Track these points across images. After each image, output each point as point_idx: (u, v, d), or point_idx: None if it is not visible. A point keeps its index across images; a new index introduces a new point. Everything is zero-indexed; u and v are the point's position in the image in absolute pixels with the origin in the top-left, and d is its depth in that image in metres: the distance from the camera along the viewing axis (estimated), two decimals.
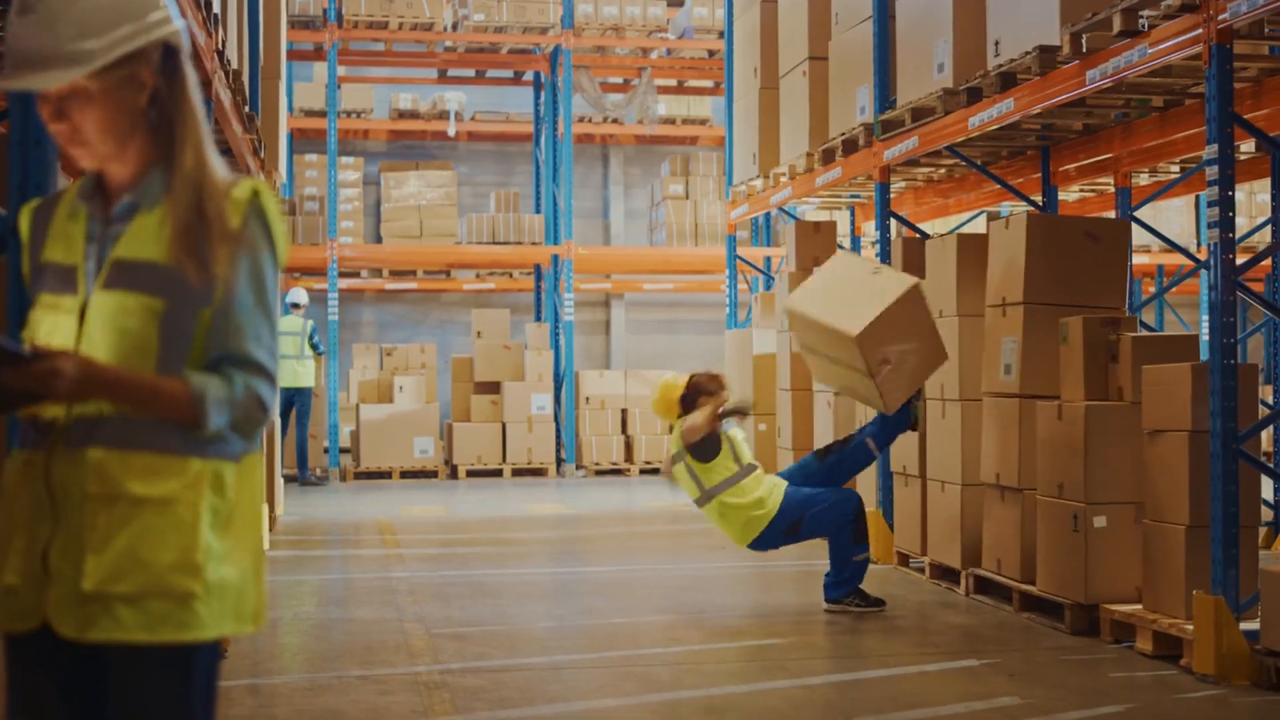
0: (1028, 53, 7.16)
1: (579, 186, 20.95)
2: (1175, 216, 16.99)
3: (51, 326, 2.46)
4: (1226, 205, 5.77)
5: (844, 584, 7.34)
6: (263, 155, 9.83)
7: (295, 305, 14.53)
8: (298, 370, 14.25)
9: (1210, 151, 5.81)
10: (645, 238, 19.99)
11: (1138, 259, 16.49)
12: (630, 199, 21.41)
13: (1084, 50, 6.68)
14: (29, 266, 2.57)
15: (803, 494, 7.38)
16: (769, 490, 7.38)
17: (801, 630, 6.91)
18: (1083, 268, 7.31)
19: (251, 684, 5.78)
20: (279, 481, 11.63)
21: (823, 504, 7.34)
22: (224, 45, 6.74)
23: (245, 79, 9.04)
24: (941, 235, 8.52)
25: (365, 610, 7.53)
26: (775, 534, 7.36)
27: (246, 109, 8.59)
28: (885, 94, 9.12)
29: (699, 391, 7.54)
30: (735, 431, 7.52)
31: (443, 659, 6.22)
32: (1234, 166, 5.78)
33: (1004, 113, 7.52)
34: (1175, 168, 10.07)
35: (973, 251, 8.00)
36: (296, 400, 14.34)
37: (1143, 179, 10.70)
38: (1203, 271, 11.69)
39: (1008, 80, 7.50)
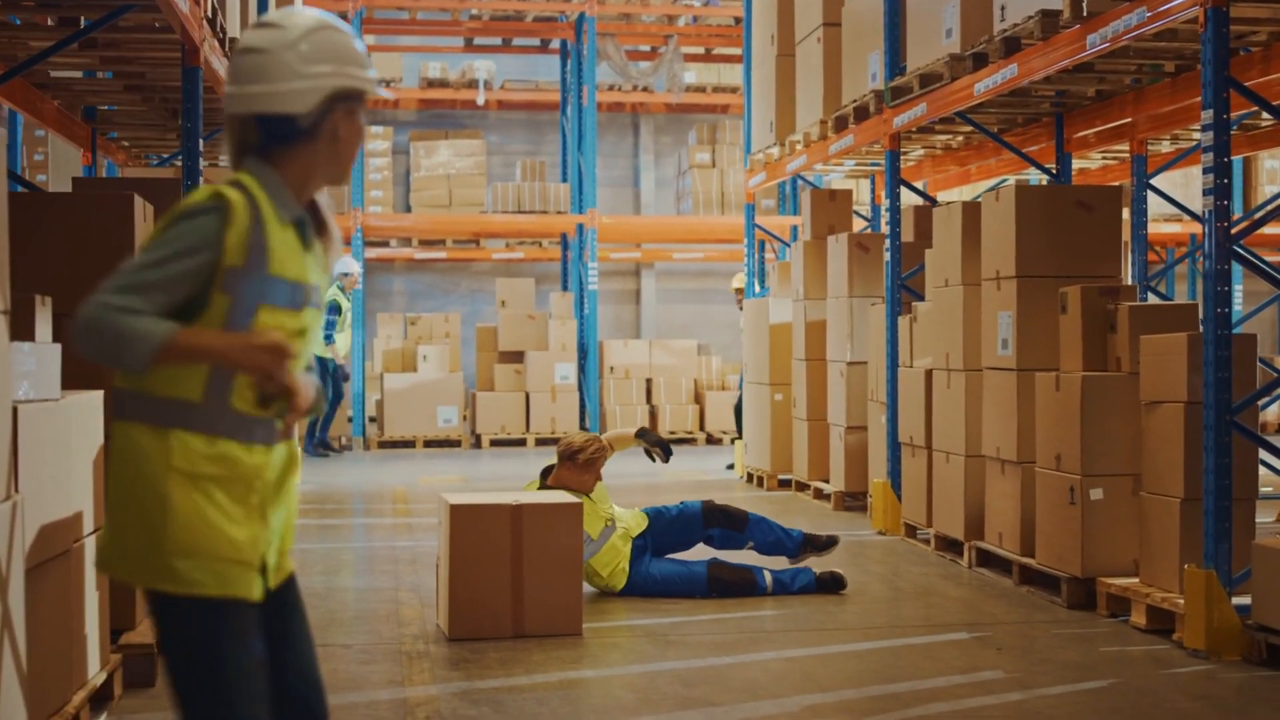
0: (1030, 17, 7.04)
1: (610, 155, 20.87)
2: None
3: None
4: (1221, 171, 5.65)
5: (797, 552, 7.21)
6: None
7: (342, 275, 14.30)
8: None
9: (1206, 117, 5.69)
10: (675, 207, 19.91)
11: (1169, 227, 16.27)
12: (661, 168, 21.31)
13: (1085, 14, 6.56)
14: (244, 264, 2.68)
15: (651, 578, 6.93)
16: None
17: (794, 603, 6.84)
18: (1077, 238, 7.19)
19: None
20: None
21: (672, 584, 6.92)
22: (215, 13, 6.71)
23: None
24: (947, 203, 8.41)
25: (363, 579, 7.55)
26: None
27: None
28: (896, 60, 9.00)
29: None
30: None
31: (429, 629, 6.21)
32: (1229, 132, 5.66)
33: (1008, 78, 7.40)
34: (1197, 134, 9.90)
35: (978, 220, 7.88)
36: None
37: (1165, 146, 10.53)
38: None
39: (1012, 45, 7.38)
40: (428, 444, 15.86)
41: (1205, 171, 5.69)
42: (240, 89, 2.73)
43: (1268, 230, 16.47)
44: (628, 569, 6.89)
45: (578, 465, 6.88)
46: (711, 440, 16.53)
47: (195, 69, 6.32)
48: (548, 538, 6.05)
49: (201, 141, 6.43)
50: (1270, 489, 10.59)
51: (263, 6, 9.56)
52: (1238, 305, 18.08)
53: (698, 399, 16.81)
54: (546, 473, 7.05)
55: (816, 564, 7.39)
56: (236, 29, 7.88)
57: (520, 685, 5.26)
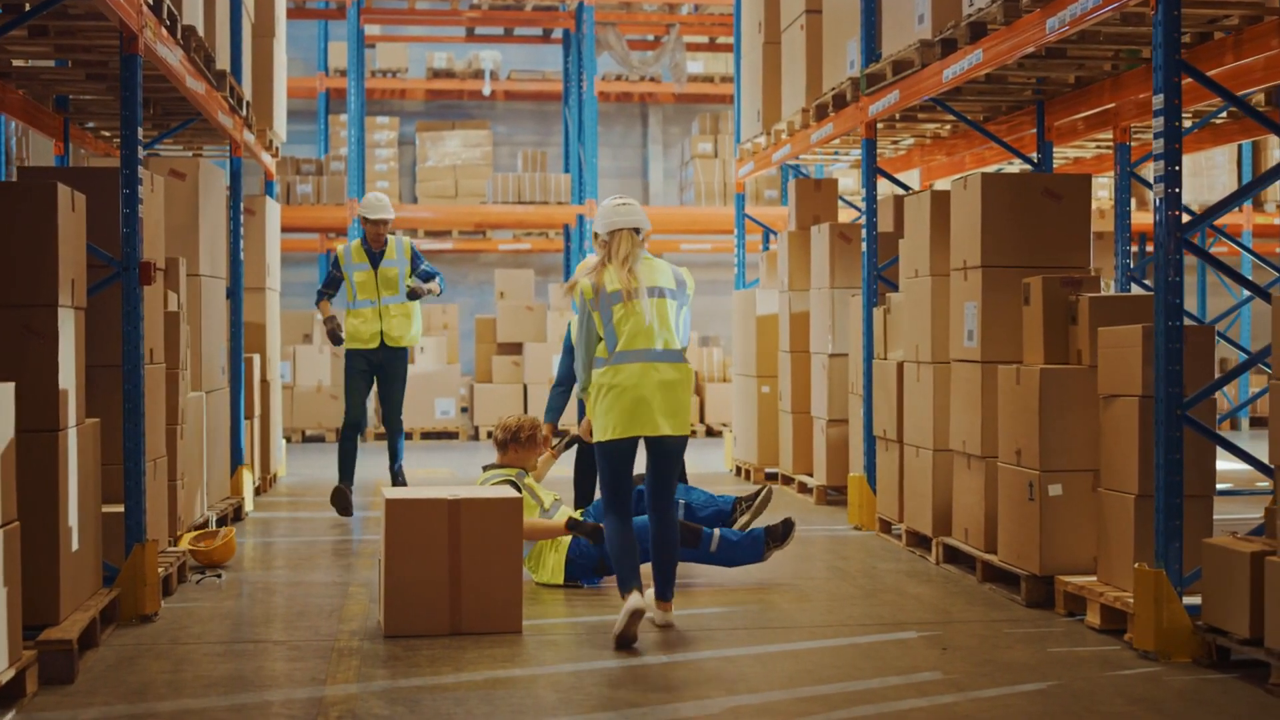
0: (994, 1, 6.88)
1: (618, 145, 20.75)
2: (1219, 174, 16.45)
3: None
4: (1173, 158, 5.48)
5: (748, 550, 7.12)
6: (244, 114, 9.72)
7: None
8: None
9: (1157, 102, 5.52)
10: (679, 198, 19.77)
11: None
12: (669, 158, 21.17)
13: None
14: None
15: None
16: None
17: (747, 600, 6.71)
18: (1044, 227, 7.01)
19: (168, 648, 5.70)
20: (279, 442, 11.59)
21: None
22: (159, 1, 6.60)
23: (224, 37, 8.94)
24: (916, 192, 8.25)
25: (317, 573, 7.46)
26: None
27: (218, 67, 8.48)
28: (872, 47, 8.83)
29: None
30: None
31: (370, 625, 6.11)
32: (1181, 118, 5.49)
33: (974, 64, 7.23)
34: (1187, 121, 9.68)
35: (947, 209, 7.72)
36: None
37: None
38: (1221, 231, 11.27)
39: (978, 30, 7.22)
40: (425, 436, 15.78)
41: (1156, 159, 5.52)
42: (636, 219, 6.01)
43: (1277, 221, 16.20)
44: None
45: (522, 444, 7.24)
46: (711, 433, 16.39)
47: (134, 56, 6.21)
48: (487, 534, 5.94)
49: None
50: (1266, 484, 10.39)
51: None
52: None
53: (698, 390, 16.65)
54: (489, 469, 7.33)
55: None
56: (198, 18, 7.79)
57: (444, 684, 5.15)
